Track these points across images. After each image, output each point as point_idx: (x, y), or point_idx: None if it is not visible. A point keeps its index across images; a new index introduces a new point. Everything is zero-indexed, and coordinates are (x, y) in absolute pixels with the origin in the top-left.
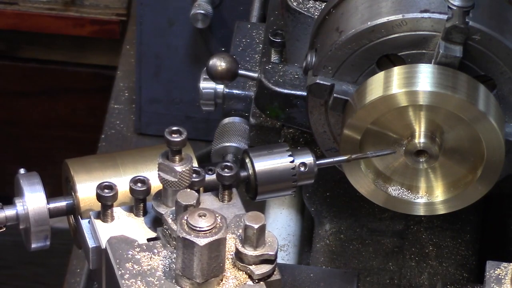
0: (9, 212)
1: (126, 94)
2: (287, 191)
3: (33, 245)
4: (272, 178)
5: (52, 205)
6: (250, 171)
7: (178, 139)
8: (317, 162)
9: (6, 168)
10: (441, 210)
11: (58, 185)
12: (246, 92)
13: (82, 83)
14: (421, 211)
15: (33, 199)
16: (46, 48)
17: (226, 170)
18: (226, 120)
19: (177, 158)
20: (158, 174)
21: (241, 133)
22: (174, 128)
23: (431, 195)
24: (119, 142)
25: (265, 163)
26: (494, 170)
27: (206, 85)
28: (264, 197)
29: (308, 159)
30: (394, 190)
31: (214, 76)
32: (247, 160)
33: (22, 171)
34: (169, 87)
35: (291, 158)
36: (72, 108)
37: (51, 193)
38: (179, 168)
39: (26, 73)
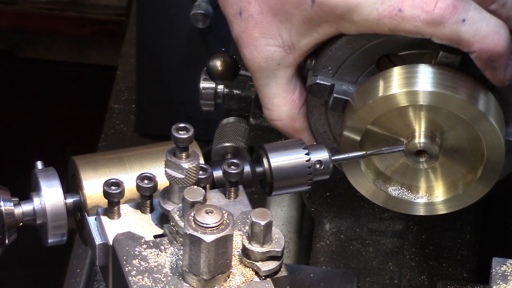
0: (26, 207)
1: (126, 94)
2: (302, 187)
3: (50, 240)
4: (288, 174)
5: (69, 200)
6: (266, 167)
7: (185, 136)
8: (332, 158)
9: (6, 168)
10: (441, 210)
11: None
12: (246, 92)
13: (82, 83)
14: (421, 211)
15: (50, 194)
16: (46, 48)
17: (232, 167)
18: (226, 120)
19: (184, 155)
20: (165, 171)
21: (241, 133)
22: (181, 125)
23: (431, 195)
24: (119, 142)
25: (281, 159)
26: (494, 170)
27: (206, 85)
28: (279, 192)
29: (324, 155)
30: (394, 190)
31: (214, 76)
32: (263, 156)
33: (39, 165)
34: (169, 87)
35: (307, 155)
36: (72, 108)
37: None
38: (186, 165)
39: (26, 73)
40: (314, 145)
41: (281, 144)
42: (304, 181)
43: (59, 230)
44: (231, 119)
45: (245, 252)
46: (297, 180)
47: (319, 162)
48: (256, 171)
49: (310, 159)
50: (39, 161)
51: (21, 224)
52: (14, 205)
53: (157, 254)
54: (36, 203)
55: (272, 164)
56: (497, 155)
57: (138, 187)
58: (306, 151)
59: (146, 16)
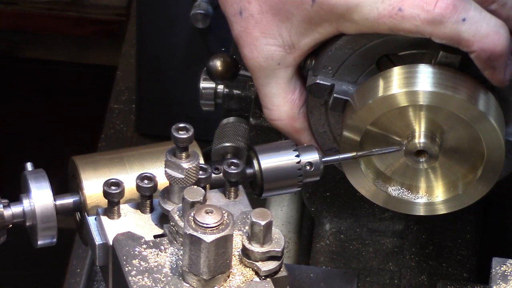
0: (15, 209)
1: (126, 94)
2: (293, 189)
3: (40, 242)
4: (278, 176)
5: (59, 202)
6: (256, 168)
7: (185, 136)
8: (323, 160)
9: (6, 168)
10: (441, 210)
11: (57, 185)
12: (246, 92)
13: (82, 83)
14: (421, 211)
15: (39, 196)
16: (46, 48)
17: (232, 167)
18: (226, 120)
19: (184, 155)
20: (165, 171)
21: (241, 133)
22: (181, 125)
23: (431, 195)
24: (119, 142)
25: (271, 160)
26: (494, 170)
27: (206, 85)
28: (270, 194)
29: (314, 156)
30: (394, 190)
31: (214, 76)
32: (253, 157)
33: (29, 167)
34: (169, 87)
35: (297, 157)
36: (72, 108)
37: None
38: (186, 165)
39: (26, 73)
40: (305, 147)
41: (272, 146)
42: (294, 182)
43: (49, 232)
44: (231, 119)
45: (245, 252)
46: (287, 182)
47: (310, 164)
48: (246, 172)
49: (300, 160)
50: (28, 163)
51: (11, 226)
52: (4, 206)
53: (157, 254)
54: (25, 204)
55: (262, 166)
56: (497, 155)
57: (138, 187)
58: (297, 152)
59: (146, 16)
